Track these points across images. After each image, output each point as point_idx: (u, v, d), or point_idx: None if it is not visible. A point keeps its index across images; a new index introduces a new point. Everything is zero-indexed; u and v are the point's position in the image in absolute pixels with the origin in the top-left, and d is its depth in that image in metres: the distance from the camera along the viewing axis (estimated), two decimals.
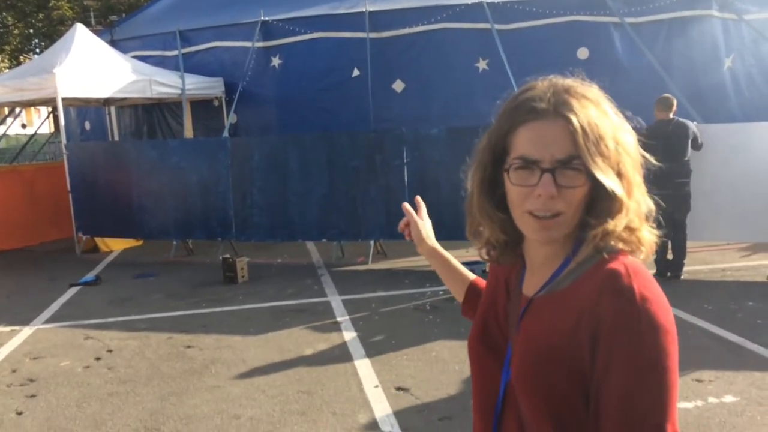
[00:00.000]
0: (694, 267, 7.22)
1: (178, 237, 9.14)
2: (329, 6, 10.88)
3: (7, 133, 17.58)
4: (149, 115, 12.65)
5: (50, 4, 23.78)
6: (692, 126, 6.69)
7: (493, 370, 1.13)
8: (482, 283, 1.44)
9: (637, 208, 1.03)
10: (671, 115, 6.65)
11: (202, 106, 11.79)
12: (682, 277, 6.79)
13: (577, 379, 0.97)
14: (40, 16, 24.08)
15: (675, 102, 6.72)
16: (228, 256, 7.77)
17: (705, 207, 6.90)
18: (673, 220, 6.61)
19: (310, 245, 9.27)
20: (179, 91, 10.68)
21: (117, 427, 4.01)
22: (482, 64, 9.86)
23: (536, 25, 9.78)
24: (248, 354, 5.18)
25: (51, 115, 17.63)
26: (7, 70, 25.43)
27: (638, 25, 9.75)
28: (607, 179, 0.99)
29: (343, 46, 10.54)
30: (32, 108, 24.81)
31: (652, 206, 1.08)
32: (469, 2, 9.92)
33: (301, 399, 4.28)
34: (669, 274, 6.78)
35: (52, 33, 23.99)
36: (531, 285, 1.11)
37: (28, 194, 10.33)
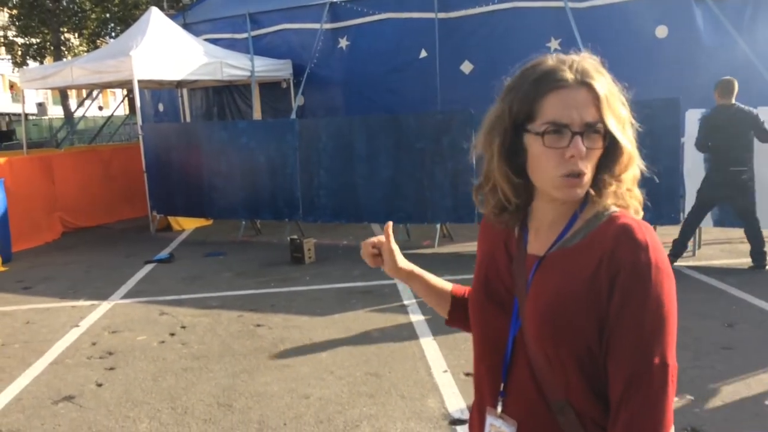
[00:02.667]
0: None
1: (246, 217, 9.31)
2: None
3: (85, 115, 18.29)
4: (219, 97, 12.90)
5: None
6: (756, 114, 6.28)
7: (498, 323, 1.23)
8: (461, 291, 1.53)
9: (635, 171, 1.18)
10: (733, 101, 6.31)
11: (270, 89, 11.94)
12: (766, 266, 6.44)
13: (595, 318, 1.10)
14: (116, 0, 24.85)
15: (736, 86, 6.35)
16: (295, 236, 7.85)
17: None
18: (737, 208, 6.42)
19: (376, 227, 9.28)
20: (248, 74, 10.84)
21: (191, 401, 4.11)
22: (554, 44, 9.55)
23: (613, 2, 9.39)
24: (316, 334, 5.22)
25: (126, 98, 18.26)
26: (85, 54, 26.45)
27: (722, 2, 9.23)
28: (625, 139, 1.13)
29: (410, 27, 10.43)
30: (108, 90, 25.76)
31: (643, 169, 1.20)
32: None
33: (369, 381, 4.28)
34: (752, 264, 6.46)
35: (127, 17, 24.74)
36: (538, 245, 1.22)
37: (105, 174, 10.74)
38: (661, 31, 9.26)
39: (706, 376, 4.10)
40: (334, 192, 8.44)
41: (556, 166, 1.11)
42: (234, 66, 10.67)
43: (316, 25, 10.87)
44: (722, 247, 7.37)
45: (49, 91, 32.64)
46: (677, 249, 6.62)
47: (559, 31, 9.40)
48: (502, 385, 1.23)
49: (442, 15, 10.10)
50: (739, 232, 7.18)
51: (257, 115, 11.69)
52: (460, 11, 10.08)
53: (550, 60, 1.17)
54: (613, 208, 1.16)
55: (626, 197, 1.17)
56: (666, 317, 1.09)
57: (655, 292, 1.08)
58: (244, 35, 11.71)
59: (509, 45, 9.73)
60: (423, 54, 10.23)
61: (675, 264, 6.62)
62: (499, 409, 1.23)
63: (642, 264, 1.08)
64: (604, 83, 1.13)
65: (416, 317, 5.47)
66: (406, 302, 5.91)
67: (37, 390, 4.39)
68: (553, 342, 1.13)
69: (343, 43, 10.99)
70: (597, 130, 1.11)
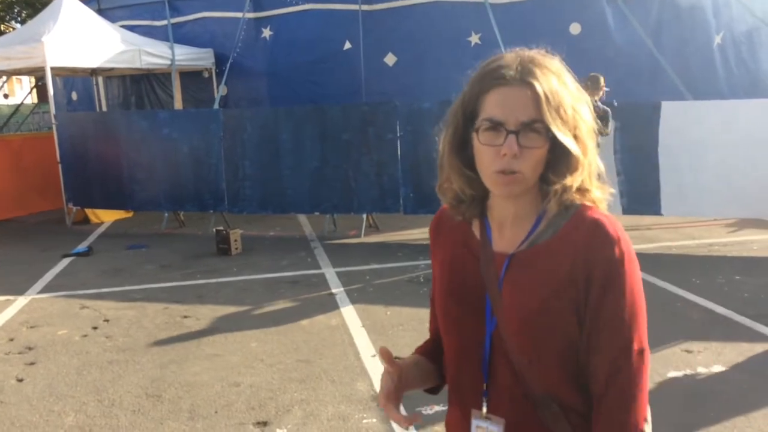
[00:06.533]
0: (681, 242, 7.36)
1: (169, 209, 9.12)
2: None
3: None
4: (137, 86, 12.51)
5: None
6: (606, 112, 6.80)
7: (472, 323, 1.22)
8: (423, 347, 1.41)
9: (590, 169, 1.17)
10: (594, 97, 6.81)
11: (191, 78, 11.69)
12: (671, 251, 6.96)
13: (574, 312, 1.14)
14: None
15: (602, 83, 6.86)
16: (221, 228, 7.78)
17: (693, 183, 7.02)
18: None
19: (302, 218, 9.30)
20: (169, 62, 10.58)
21: (119, 393, 4.06)
22: (475, 39, 9.84)
23: None
24: (245, 324, 5.24)
25: (35, 86, 17.37)
26: None
27: (630, 1, 9.76)
28: (566, 139, 1.12)
29: (334, 19, 10.46)
30: (14, 78, 24.40)
31: (603, 168, 1.21)
32: None
33: (299, 368, 4.35)
34: None
35: (34, 1, 23.50)
36: (504, 242, 1.21)
37: (15, 165, 10.22)
38: (575, 28, 9.72)
39: None
40: (259, 183, 8.40)
41: (491, 163, 1.13)
42: (153, 54, 10.38)
43: (239, 14, 10.71)
44: (631, 234, 7.76)
45: None
46: None
47: (479, 26, 9.68)
48: (484, 385, 1.22)
49: (365, 7, 10.19)
50: (646, 219, 7.69)
51: (178, 105, 11.42)
52: (383, 4, 10.20)
53: (506, 57, 1.16)
54: (576, 204, 1.17)
55: (591, 192, 1.18)
56: (639, 305, 1.15)
57: (629, 283, 1.13)
58: (164, 22, 11.39)
59: (432, 38, 9.95)
60: (347, 46, 10.29)
61: None
62: (485, 409, 1.23)
63: (616, 258, 1.12)
64: (549, 83, 1.12)
65: (344, 305, 5.57)
66: (334, 291, 6.00)
67: None
68: (534, 340, 1.16)
69: (267, 33, 10.89)
70: (535, 129, 1.10)
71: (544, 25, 9.54)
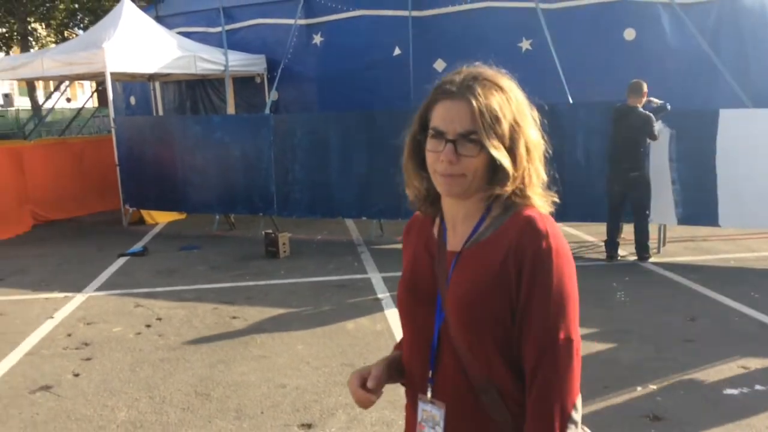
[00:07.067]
0: (740, 254, 7.12)
1: (220, 211, 9.32)
2: None
3: (54, 107, 17.98)
4: (192, 91, 12.84)
5: None
6: (648, 116, 6.63)
7: (424, 315, 1.34)
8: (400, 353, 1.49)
9: (527, 179, 1.27)
10: (637, 103, 6.66)
11: (244, 83, 11.93)
12: (649, 258, 6.92)
13: (507, 303, 1.23)
14: None
15: (644, 90, 6.69)
16: (270, 231, 7.91)
17: (752, 193, 6.78)
18: (631, 204, 6.87)
19: (350, 222, 9.37)
20: (222, 68, 10.81)
21: (169, 390, 4.17)
22: (525, 45, 9.75)
23: (583, 4, 9.61)
24: (292, 326, 5.31)
25: (96, 91, 18.00)
26: (53, 45, 25.97)
27: (687, 6, 9.51)
28: (496, 152, 1.22)
29: (384, 24, 10.52)
30: (76, 82, 25.34)
31: (545, 178, 1.32)
32: None
33: (344, 371, 4.38)
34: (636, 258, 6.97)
35: (96, 8, 24.36)
36: (455, 241, 1.34)
37: (76, 167, 10.62)
38: (630, 34, 9.51)
39: (668, 367, 4.29)
40: (308, 187, 8.51)
41: (434, 166, 1.26)
42: (208, 60, 10.64)
43: (291, 21, 10.88)
44: (686, 245, 7.63)
45: (16, 82, 31.94)
46: (609, 250, 6.99)
47: (530, 32, 9.59)
48: (430, 372, 1.33)
49: (415, 13, 10.22)
50: (702, 230, 7.46)
51: (231, 109, 11.67)
52: (433, 9, 10.21)
53: (457, 72, 1.29)
54: (518, 205, 1.28)
55: (520, 198, 1.27)
56: (567, 297, 1.22)
57: (557, 275, 1.21)
58: (218, 29, 11.67)
59: (482, 44, 9.88)
60: (397, 51, 10.33)
61: (642, 261, 6.87)
62: (429, 394, 1.34)
63: (543, 250, 1.21)
64: (487, 98, 1.23)
65: (390, 311, 5.58)
66: (380, 296, 6.02)
67: (13, 380, 4.39)
68: (471, 328, 1.25)
69: (317, 39, 11.04)
70: (471, 139, 1.22)
71: (598, 31, 9.39)
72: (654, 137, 6.64)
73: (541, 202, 1.29)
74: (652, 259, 6.94)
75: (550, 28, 9.12)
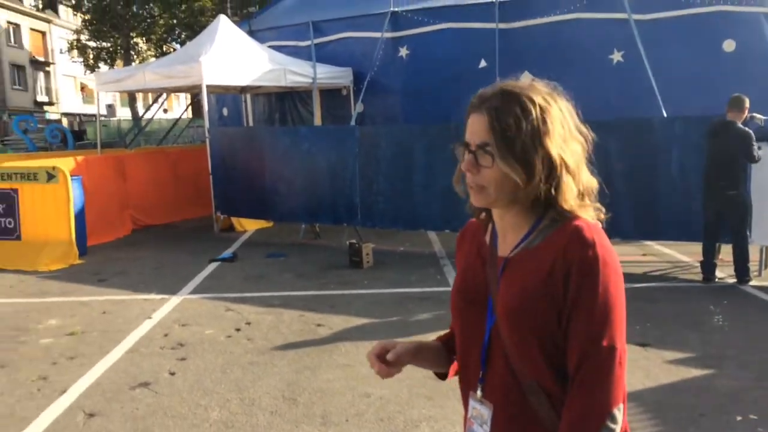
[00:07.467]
0: None
1: (306, 220, 9.56)
2: None
3: (147, 116, 19.00)
4: (281, 103, 13.26)
5: None
6: (747, 134, 6.23)
7: (475, 318, 1.39)
8: (446, 336, 1.58)
9: (557, 191, 1.28)
10: (737, 119, 6.32)
11: (330, 95, 12.22)
12: (750, 281, 6.55)
13: (554, 309, 1.26)
14: (183, 7, 25.75)
15: (745, 105, 6.31)
16: (354, 241, 8.05)
17: None
18: (729, 224, 6.55)
19: (432, 235, 9.40)
20: (311, 80, 11.13)
21: (258, 393, 4.32)
22: (617, 56, 9.52)
23: (678, 15, 9.30)
24: (375, 336, 5.37)
25: (191, 102, 18.89)
26: (152, 59, 27.43)
27: None
28: (503, 163, 1.26)
29: (470, 37, 10.54)
30: (172, 94, 26.64)
31: (587, 189, 1.32)
32: None
33: (428, 384, 4.40)
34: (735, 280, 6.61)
35: (192, 24, 25.59)
36: (505, 247, 1.38)
37: (172, 174, 11.19)
38: (729, 45, 9.12)
39: None
40: (392, 198, 8.61)
41: (464, 176, 1.33)
42: (297, 73, 10.98)
43: (378, 34, 11.08)
44: None
45: (118, 94, 33.97)
46: (705, 271, 6.69)
47: (622, 43, 9.36)
48: (481, 372, 1.38)
49: (503, 25, 10.18)
50: None
51: (317, 121, 11.98)
52: (521, 22, 10.14)
53: (495, 85, 1.33)
54: (567, 216, 1.30)
55: (575, 207, 1.29)
56: (613, 306, 1.24)
57: (603, 283, 1.23)
58: (307, 43, 12.03)
59: (571, 56, 9.73)
60: (483, 64, 10.32)
61: (741, 284, 6.53)
62: (479, 393, 1.39)
63: (590, 259, 1.23)
64: (505, 112, 1.26)
65: None
66: None
67: (115, 376, 4.67)
68: (519, 331, 1.29)
69: (403, 52, 11.18)
70: (487, 151, 1.27)
71: (694, 42, 9.06)
72: (752, 158, 6.28)
73: (584, 213, 1.31)
74: (752, 282, 6.59)
75: (643, 40, 8.87)
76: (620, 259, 1.29)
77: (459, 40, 10.62)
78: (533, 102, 1.28)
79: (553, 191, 1.29)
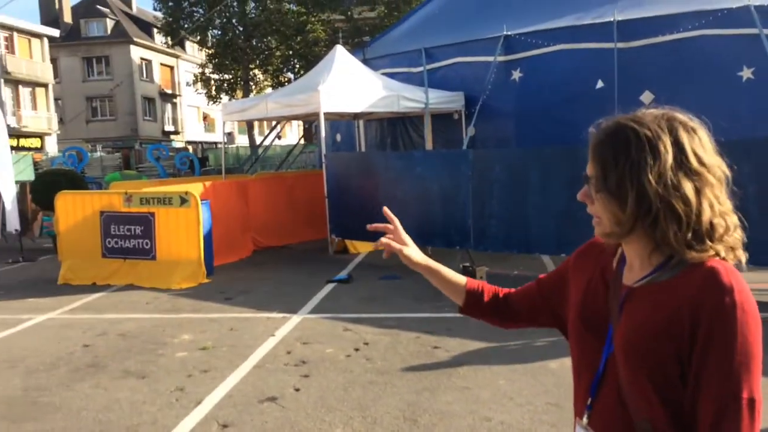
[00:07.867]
0: None
1: (418, 243, 9.36)
2: (574, 17, 10.71)
3: (265, 143, 19.97)
4: (393, 128, 13.54)
5: (306, 28, 26.55)
6: None
7: (593, 346, 1.36)
8: (475, 285, 1.71)
9: (693, 225, 1.21)
10: None
11: (441, 120, 12.33)
12: None
13: (674, 351, 1.21)
14: (298, 39, 26.98)
15: None
16: (468, 264, 8.04)
17: None
18: None
19: (546, 259, 9.22)
20: (423, 105, 11.31)
21: (380, 413, 4.40)
22: (747, 73, 9.00)
23: None
24: (492, 360, 5.34)
25: (304, 129, 19.67)
26: (269, 89, 28.88)
27: None
28: (600, 197, 1.28)
29: (585, 57, 10.32)
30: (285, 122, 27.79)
31: (714, 227, 1.22)
32: (733, 6, 9.12)
33: (550, 411, 4.32)
34: None
35: (307, 54, 26.73)
36: (630, 276, 1.34)
37: (289, 198, 11.68)
38: None
39: None
40: (505, 222, 8.53)
41: None
42: (409, 98, 11.19)
43: (490, 58, 11.10)
44: None
45: (236, 122, 35.99)
46: None
47: (752, 59, 8.86)
48: (590, 399, 1.37)
49: (621, 45, 9.91)
50: None
51: (429, 145, 12.11)
52: (642, 40, 9.82)
53: (614, 117, 1.33)
54: (697, 256, 1.22)
55: (709, 244, 1.22)
56: (752, 356, 1.18)
57: (741, 332, 1.17)
58: (420, 69, 12.23)
59: (695, 74, 9.31)
60: (600, 84, 10.07)
61: None
62: (585, 420, 1.38)
63: (727, 306, 1.17)
64: (612, 145, 1.26)
65: None
66: None
67: (245, 389, 4.92)
68: (634, 366, 1.26)
69: (516, 75, 11.11)
70: (592, 184, 1.30)
71: None
72: None
73: (713, 252, 1.22)
74: None
75: None
76: (757, 287, 1.27)
77: (574, 61, 10.43)
78: (637, 135, 1.24)
79: (652, 227, 1.24)
